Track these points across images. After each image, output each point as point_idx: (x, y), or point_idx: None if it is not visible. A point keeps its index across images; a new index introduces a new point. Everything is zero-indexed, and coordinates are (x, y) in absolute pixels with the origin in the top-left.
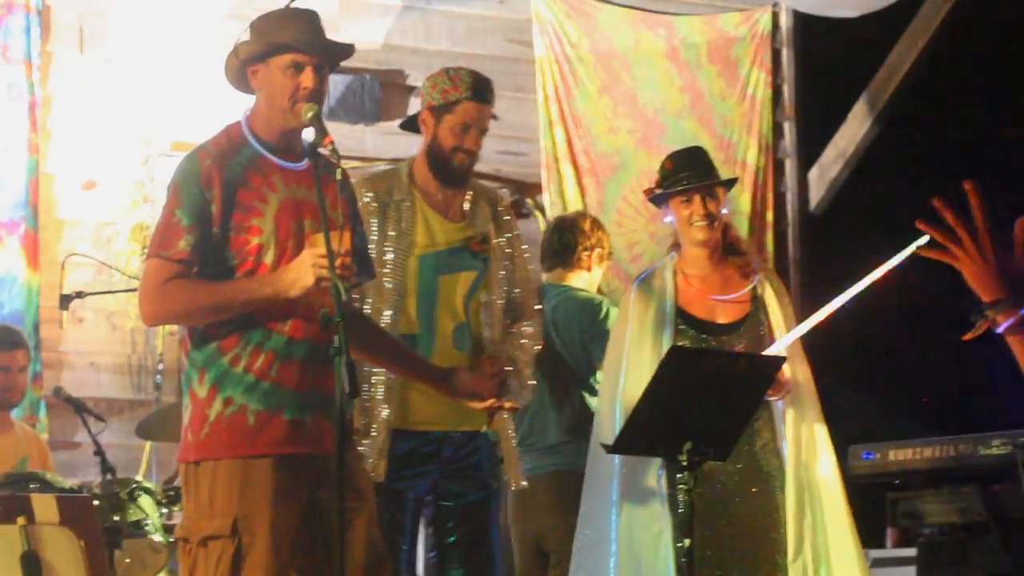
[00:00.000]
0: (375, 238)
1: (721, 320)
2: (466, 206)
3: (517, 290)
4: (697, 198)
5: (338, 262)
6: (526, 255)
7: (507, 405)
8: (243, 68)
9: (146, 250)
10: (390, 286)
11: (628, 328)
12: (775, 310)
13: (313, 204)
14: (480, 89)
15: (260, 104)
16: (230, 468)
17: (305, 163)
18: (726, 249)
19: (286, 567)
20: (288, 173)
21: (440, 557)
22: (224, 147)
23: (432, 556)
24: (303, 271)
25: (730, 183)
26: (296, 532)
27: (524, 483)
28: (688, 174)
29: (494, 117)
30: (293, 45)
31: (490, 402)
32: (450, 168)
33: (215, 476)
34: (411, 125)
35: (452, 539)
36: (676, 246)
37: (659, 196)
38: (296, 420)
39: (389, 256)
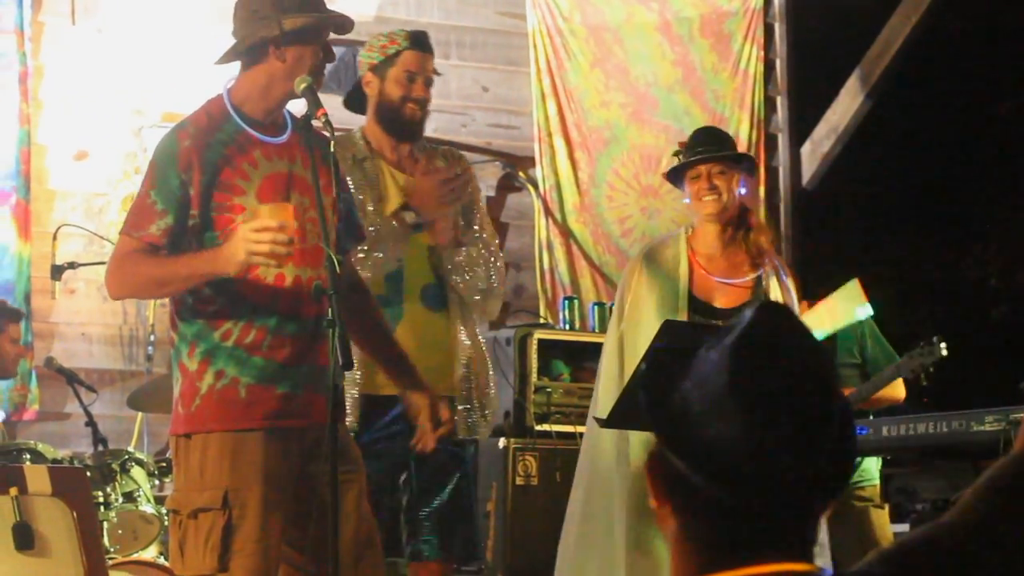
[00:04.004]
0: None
1: (718, 304)
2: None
3: (485, 234)
4: (704, 172)
5: (267, 237)
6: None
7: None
8: (264, 42)
9: None
10: (372, 229)
11: (629, 299)
12: None
13: (299, 177)
14: (419, 39)
15: (258, 77)
16: (221, 441)
17: (287, 136)
18: (740, 234)
19: (277, 540)
20: (270, 148)
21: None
22: (204, 126)
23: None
24: (236, 247)
25: (737, 158)
26: (287, 505)
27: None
28: (699, 150)
29: (436, 73)
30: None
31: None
32: (402, 120)
33: (206, 449)
34: (354, 101)
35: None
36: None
37: (673, 176)
38: (288, 394)
39: (369, 207)
